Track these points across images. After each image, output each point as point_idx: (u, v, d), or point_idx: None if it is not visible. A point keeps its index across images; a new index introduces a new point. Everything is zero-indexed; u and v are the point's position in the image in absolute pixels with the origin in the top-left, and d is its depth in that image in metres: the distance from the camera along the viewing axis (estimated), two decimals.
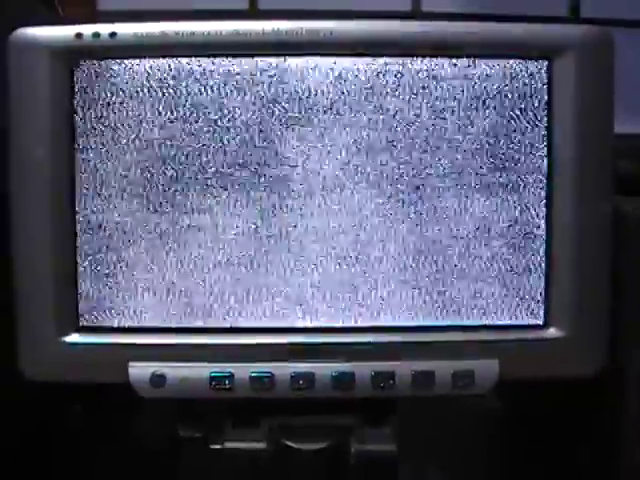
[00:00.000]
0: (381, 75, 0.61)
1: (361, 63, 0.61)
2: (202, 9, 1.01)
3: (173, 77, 0.61)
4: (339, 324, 0.63)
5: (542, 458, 0.76)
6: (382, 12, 1.03)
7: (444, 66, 0.61)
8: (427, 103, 0.61)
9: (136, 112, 0.61)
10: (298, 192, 0.62)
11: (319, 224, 0.62)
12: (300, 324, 0.63)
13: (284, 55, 0.61)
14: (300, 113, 0.61)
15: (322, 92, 0.61)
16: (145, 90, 0.61)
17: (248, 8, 1.05)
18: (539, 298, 0.63)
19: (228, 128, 0.61)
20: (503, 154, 0.62)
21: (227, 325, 0.62)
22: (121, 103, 0.61)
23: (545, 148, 0.62)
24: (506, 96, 0.61)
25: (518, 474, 0.75)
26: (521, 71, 0.61)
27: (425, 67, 0.61)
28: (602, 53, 0.61)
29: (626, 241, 0.65)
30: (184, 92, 0.61)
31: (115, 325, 0.62)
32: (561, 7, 1.12)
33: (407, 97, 0.61)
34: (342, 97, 0.61)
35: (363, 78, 0.61)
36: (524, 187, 0.62)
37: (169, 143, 0.61)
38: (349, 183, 0.62)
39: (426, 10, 1.09)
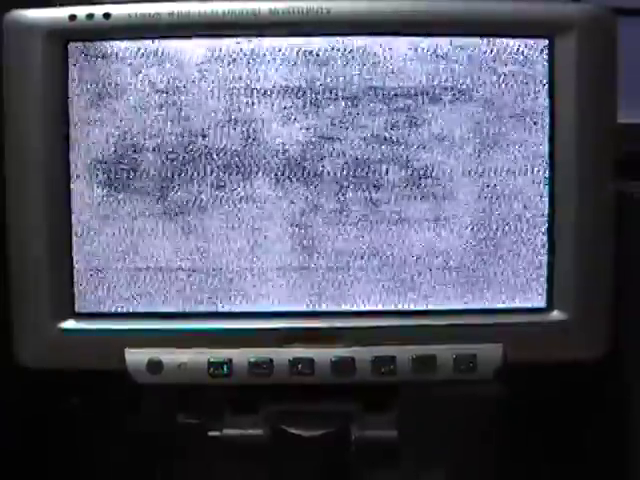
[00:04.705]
0: (380, 54, 0.60)
1: (362, 41, 0.60)
2: None
3: (168, 58, 0.60)
4: (338, 308, 0.62)
5: (546, 444, 0.75)
6: None
7: (443, 45, 0.60)
8: (426, 81, 0.60)
9: (131, 94, 0.60)
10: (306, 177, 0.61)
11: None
12: (299, 308, 0.62)
13: (281, 35, 0.60)
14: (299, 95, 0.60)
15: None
16: (139, 71, 0.60)
17: None
18: (542, 281, 0.62)
19: (224, 110, 0.60)
20: (503, 135, 0.61)
21: (225, 310, 0.62)
22: (115, 84, 0.60)
23: (546, 129, 0.61)
24: (506, 75, 0.61)
25: (521, 461, 0.75)
26: (522, 50, 0.60)
27: (425, 46, 0.60)
28: (604, 32, 0.60)
29: (630, 223, 0.64)
30: (179, 73, 0.60)
31: (112, 311, 0.62)
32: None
33: (407, 76, 0.60)
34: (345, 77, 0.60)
35: (366, 57, 0.60)
36: (525, 169, 0.61)
37: (164, 124, 0.60)
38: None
39: None
